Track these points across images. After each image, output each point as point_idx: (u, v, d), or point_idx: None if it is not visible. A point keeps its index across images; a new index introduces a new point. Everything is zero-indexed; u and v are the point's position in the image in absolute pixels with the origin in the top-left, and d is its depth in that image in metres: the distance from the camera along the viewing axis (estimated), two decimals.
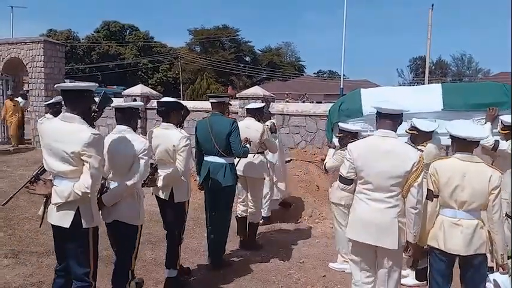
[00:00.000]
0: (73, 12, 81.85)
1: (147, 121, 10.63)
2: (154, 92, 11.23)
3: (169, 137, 3.48)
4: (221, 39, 45.33)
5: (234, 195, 4.36)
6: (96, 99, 2.81)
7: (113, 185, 2.85)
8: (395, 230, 2.64)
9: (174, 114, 3.59)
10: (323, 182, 7.21)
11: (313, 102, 18.57)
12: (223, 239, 4.25)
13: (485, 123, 3.64)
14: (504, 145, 3.43)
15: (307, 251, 4.85)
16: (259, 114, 4.84)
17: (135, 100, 9.00)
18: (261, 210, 4.98)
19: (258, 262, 4.43)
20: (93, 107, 2.78)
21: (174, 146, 3.44)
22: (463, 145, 2.67)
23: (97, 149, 2.46)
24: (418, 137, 3.63)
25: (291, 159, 8.16)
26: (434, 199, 2.69)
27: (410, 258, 3.73)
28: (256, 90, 9.44)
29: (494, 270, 2.70)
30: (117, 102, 3.05)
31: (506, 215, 3.04)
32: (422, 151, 2.95)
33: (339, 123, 4.28)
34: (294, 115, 8.98)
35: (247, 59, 48.23)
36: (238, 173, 4.41)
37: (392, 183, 2.64)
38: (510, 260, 3.02)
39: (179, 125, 3.67)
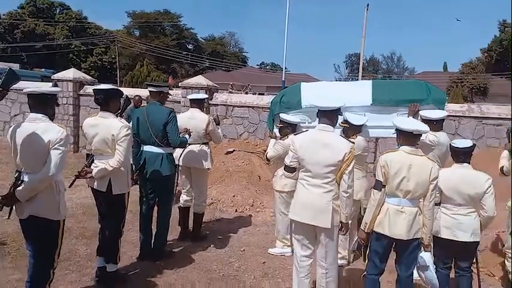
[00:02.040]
0: None
1: (80, 108, 10.05)
2: (88, 77, 10.62)
3: (108, 126, 3.34)
4: (162, 24, 43.78)
5: (174, 186, 4.34)
6: None
7: (28, 178, 2.63)
8: (330, 211, 2.98)
9: (113, 103, 3.45)
10: (265, 173, 7.41)
11: (256, 93, 18.79)
12: (164, 230, 4.21)
13: (408, 117, 3.99)
14: (422, 136, 3.79)
15: (248, 239, 4.98)
16: (204, 105, 4.85)
17: (55, 85, 8.38)
18: (206, 200, 5.01)
19: (199, 252, 4.46)
20: None
21: (113, 135, 3.31)
22: (409, 138, 2.93)
23: None
24: (349, 130, 3.90)
25: (234, 150, 8.25)
26: (382, 189, 2.94)
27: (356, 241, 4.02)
28: (199, 79, 9.35)
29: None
30: (28, 86, 2.80)
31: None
32: (354, 143, 3.23)
33: (280, 115, 4.44)
34: (238, 106, 9.06)
35: (189, 47, 47.18)
36: (181, 163, 4.38)
37: (328, 171, 2.99)
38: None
39: (118, 114, 3.55)
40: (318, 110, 3.14)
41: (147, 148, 4.03)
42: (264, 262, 4.30)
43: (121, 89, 4.10)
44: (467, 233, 3.17)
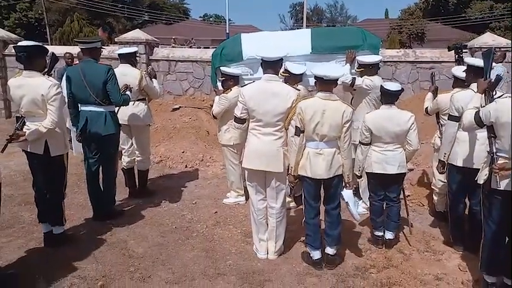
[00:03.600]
0: None
1: (7, 70, 9.30)
2: (13, 36, 9.76)
3: (36, 86, 3.17)
4: None
5: (118, 145, 4.26)
6: None
7: None
8: (281, 156, 3.21)
9: (37, 60, 3.24)
10: (212, 127, 7.43)
11: (200, 47, 18.20)
12: (111, 189, 4.18)
13: (346, 64, 4.15)
14: (359, 81, 4.02)
15: (199, 192, 5.09)
16: (134, 60, 4.66)
17: None
18: (149, 157, 4.99)
19: (150, 208, 4.51)
20: None
21: (42, 95, 3.16)
22: (323, 84, 3.07)
23: None
24: (289, 79, 3.98)
25: (180, 107, 8.12)
26: (301, 134, 3.10)
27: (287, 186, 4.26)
28: (137, 33, 8.89)
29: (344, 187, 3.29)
30: None
31: (360, 142, 3.63)
32: (299, 90, 3.36)
33: (221, 68, 4.41)
34: (181, 61, 8.81)
35: None
36: (121, 122, 4.28)
37: (278, 119, 3.16)
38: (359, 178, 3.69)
39: (46, 72, 3.34)
40: (262, 60, 3.22)
41: (86, 108, 3.88)
42: (216, 212, 4.46)
43: (51, 47, 3.84)
44: (395, 166, 3.49)
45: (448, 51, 4.33)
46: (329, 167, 3.10)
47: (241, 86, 3.80)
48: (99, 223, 4.05)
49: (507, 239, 2.78)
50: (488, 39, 7.62)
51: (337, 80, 3.12)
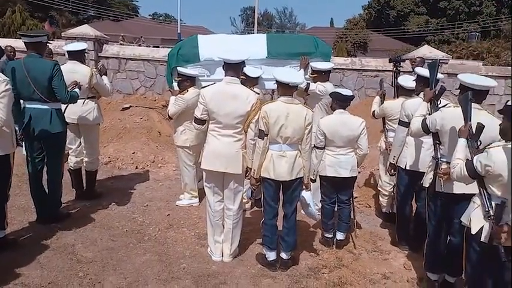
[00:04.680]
0: None
1: None
2: None
3: None
4: None
5: (65, 144, 4.05)
6: None
7: None
8: (240, 158, 3.25)
9: None
10: (164, 128, 7.28)
11: (150, 46, 17.74)
12: (57, 191, 3.96)
13: (299, 69, 4.29)
14: (313, 86, 4.18)
15: (151, 195, 4.96)
16: (84, 57, 4.45)
17: None
18: (98, 157, 4.80)
19: (99, 211, 4.32)
20: None
21: None
22: (285, 89, 3.17)
23: None
24: (246, 82, 4.02)
25: (130, 106, 7.87)
26: (265, 137, 3.15)
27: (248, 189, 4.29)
28: (85, 29, 8.51)
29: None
30: None
31: (315, 146, 3.76)
32: (258, 94, 3.41)
33: (178, 68, 4.36)
34: (131, 59, 8.56)
35: None
36: (69, 121, 4.07)
37: (237, 122, 3.19)
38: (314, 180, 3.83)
39: None
40: (224, 62, 3.24)
41: (30, 105, 3.65)
42: (169, 214, 4.37)
43: None
44: (348, 169, 3.65)
45: (389, 62, 4.68)
46: (291, 169, 3.18)
47: (201, 88, 3.79)
48: (43, 227, 3.81)
49: (448, 238, 3.02)
50: (426, 51, 8.25)
51: (298, 85, 3.22)
